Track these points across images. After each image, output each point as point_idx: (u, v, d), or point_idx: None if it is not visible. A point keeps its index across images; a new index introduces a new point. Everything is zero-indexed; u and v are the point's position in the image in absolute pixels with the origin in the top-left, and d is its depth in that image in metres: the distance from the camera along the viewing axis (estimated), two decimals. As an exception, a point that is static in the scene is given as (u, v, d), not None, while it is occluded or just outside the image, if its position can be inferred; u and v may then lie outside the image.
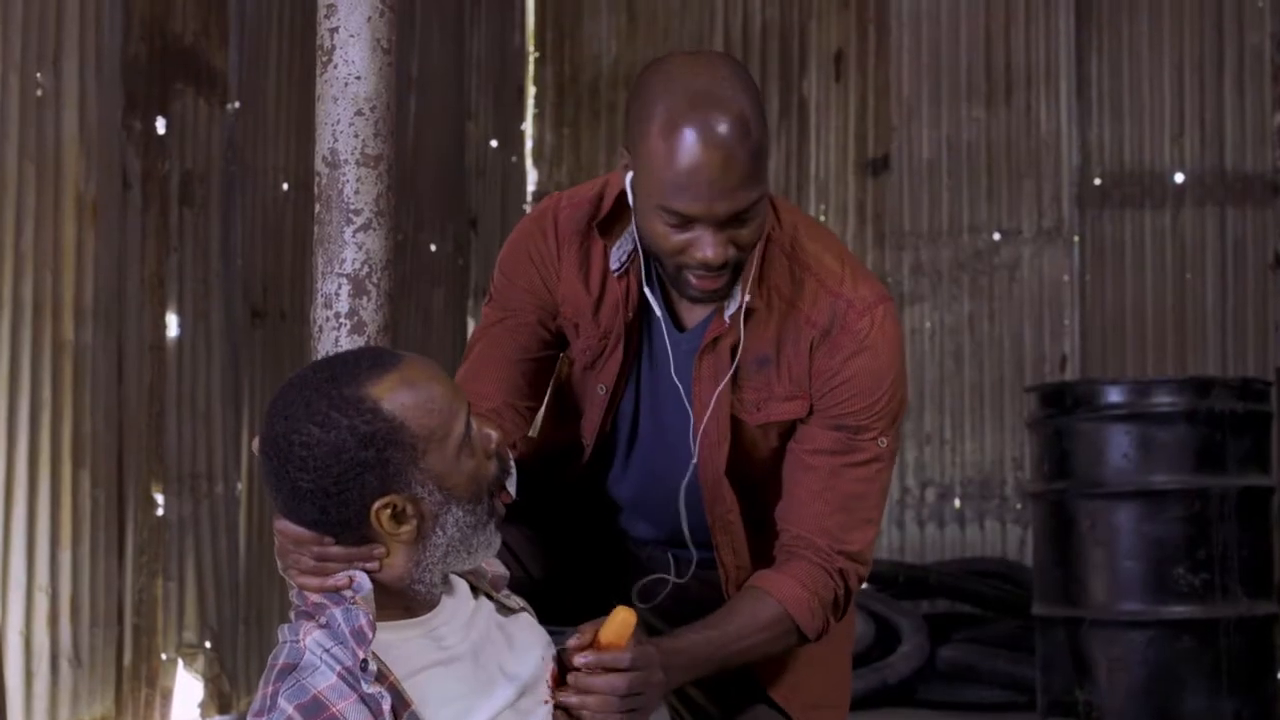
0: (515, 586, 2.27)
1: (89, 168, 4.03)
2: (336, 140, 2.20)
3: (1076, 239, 6.73)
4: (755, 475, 2.33)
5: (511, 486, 2.19)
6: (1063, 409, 4.71)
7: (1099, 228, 6.73)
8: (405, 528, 1.82)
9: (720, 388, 2.24)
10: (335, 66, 2.21)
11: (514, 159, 7.03)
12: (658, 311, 2.24)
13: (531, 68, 7.16)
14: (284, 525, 1.84)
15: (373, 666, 1.75)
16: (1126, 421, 4.59)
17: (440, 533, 1.84)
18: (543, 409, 2.51)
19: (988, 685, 5.64)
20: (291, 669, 1.76)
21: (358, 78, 2.21)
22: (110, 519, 4.14)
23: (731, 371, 2.24)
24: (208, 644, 4.58)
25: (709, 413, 2.26)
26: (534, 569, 2.42)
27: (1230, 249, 6.60)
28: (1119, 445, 4.59)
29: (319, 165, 2.22)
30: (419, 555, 1.84)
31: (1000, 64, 6.82)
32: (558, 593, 2.46)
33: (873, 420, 2.24)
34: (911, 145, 6.87)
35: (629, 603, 2.37)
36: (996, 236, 6.79)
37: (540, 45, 7.17)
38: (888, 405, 2.24)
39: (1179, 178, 6.66)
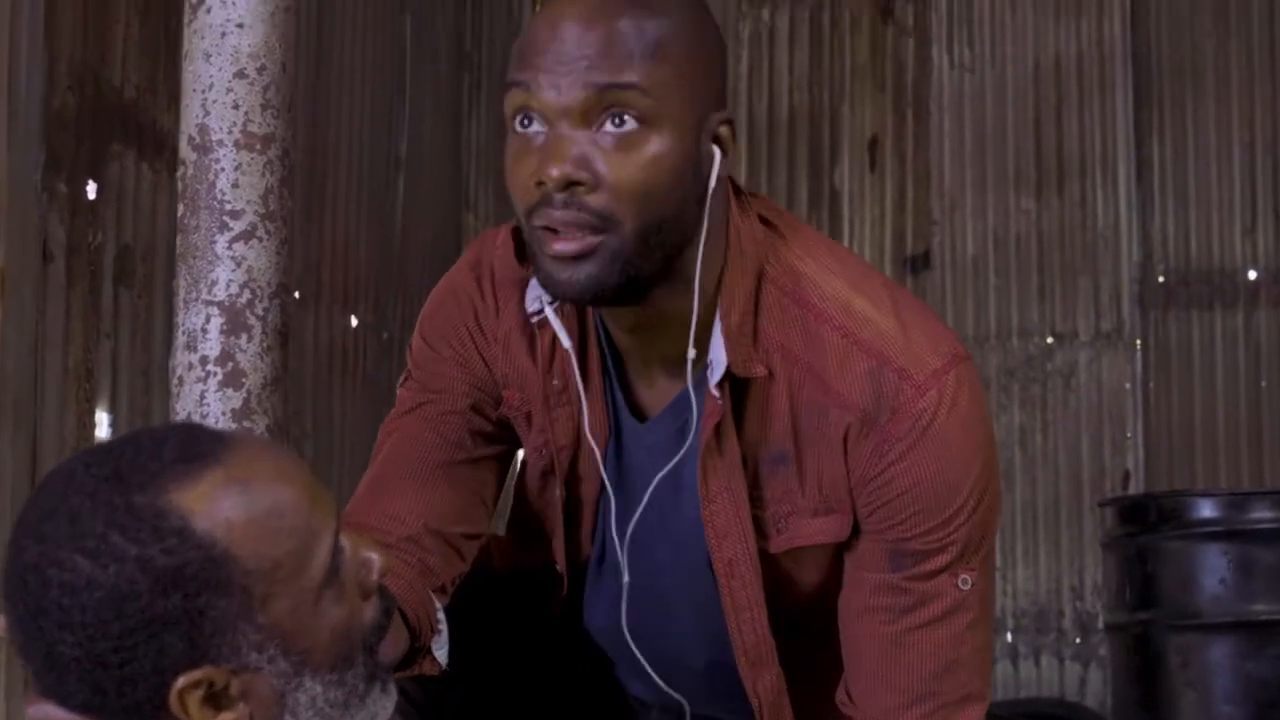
0: None
1: (-3, 232, 3.45)
2: (208, 113, 1.55)
3: (1139, 343, 6.18)
4: (791, 621, 1.65)
5: (441, 653, 1.53)
6: (1146, 526, 4.12)
7: (1163, 330, 6.18)
8: (226, 715, 1.15)
9: (741, 511, 1.58)
10: (208, 11, 1.56)
11: (517, 255, 6.48)
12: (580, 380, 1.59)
13: (537, 157, 6.64)
14: (44, 711, 1.19)
15: None
16: (1222, 540, 4.01)
17: None
18: (505, 521, 1.85)
19: None
20: None
21: (239, 25, 1.55)
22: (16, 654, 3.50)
23: (743, 478, 1.57)
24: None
25: (739, 559, 1.60)
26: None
27: (1310, 353, 6.06)
28: (1214, 568, 4.00)
29: (184, 149, 1.57)
30: None
31: (1051, 149, 6.28)
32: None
33: (947, 544, 1.54)
34: (954, 240, 6.31)
35: None
36: (1050, 340, 6.22)
37: (547, 133, 6.65)
38: (969, 519, 1.53)
39: (1252, 274, 6.10)
